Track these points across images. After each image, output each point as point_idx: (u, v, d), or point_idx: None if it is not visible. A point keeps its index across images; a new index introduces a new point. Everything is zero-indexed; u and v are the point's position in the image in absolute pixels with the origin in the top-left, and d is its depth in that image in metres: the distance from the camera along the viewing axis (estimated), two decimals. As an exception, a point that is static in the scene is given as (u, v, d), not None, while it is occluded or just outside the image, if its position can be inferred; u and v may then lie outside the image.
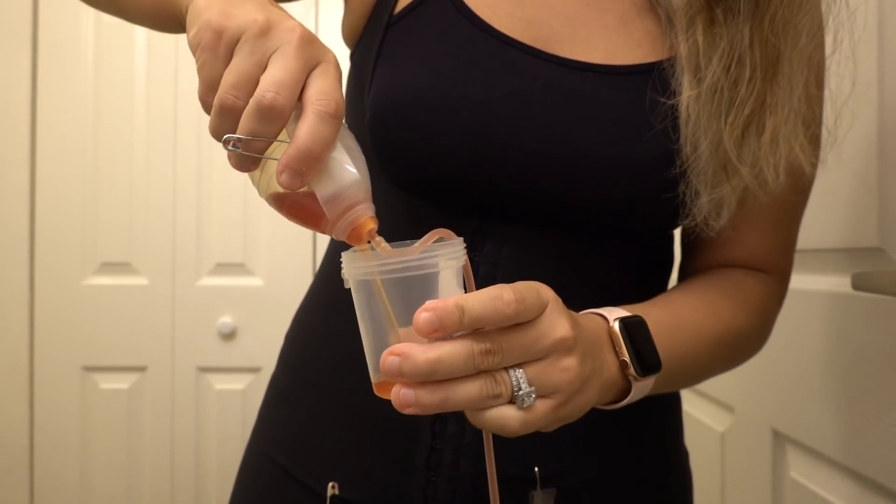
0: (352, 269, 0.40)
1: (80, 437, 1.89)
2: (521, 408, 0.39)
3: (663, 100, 0.55)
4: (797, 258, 0.99)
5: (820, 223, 0.89)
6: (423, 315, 0.36)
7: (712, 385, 1.27)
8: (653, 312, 0.51)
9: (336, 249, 0.68)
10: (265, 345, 1.89)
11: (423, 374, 0.36)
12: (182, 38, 1.90)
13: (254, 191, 0.46)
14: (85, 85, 1.90)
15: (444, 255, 0.39)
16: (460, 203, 0.58)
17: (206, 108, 0.42)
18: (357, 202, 0.42)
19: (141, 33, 1.91)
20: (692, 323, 0.57)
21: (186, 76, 1.91)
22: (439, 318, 0.36)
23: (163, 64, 1.91)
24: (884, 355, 0.74)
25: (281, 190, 0.41)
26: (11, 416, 1.87)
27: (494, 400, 0.38)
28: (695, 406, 1.35)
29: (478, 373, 0.38)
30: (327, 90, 0.40)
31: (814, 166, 0.59)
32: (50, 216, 1.89)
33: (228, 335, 1.90)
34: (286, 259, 1.91)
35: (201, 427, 1.91)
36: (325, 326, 0.65)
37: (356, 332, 0.62)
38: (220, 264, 1.92)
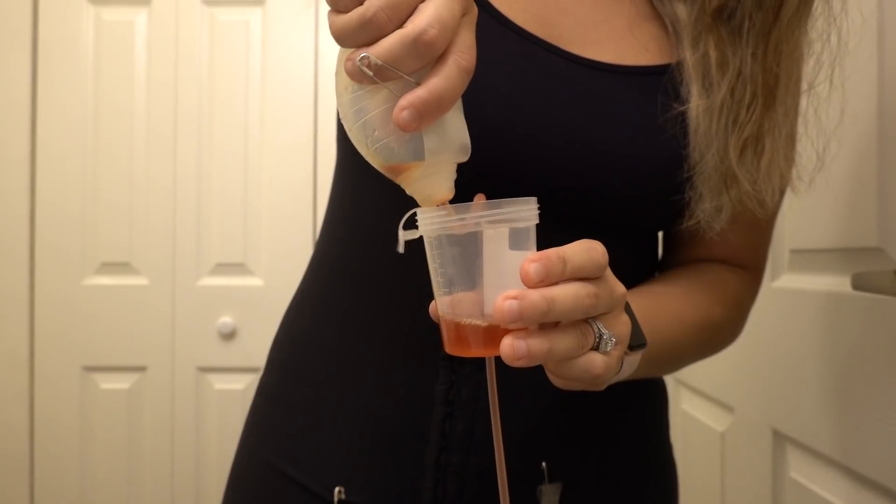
0: (438, 222, 0.40)
1: (80, 437, 1.89)
2: (603, 352, 0.41)
3: (675, 105, 0.57)
4: (797, 258, 0.99)
5: (820, 223, 0.89)
6: (532, 265, 0.38)
7: (712, 385, 1.27)
8: (635, 299, 0.53)
9: (327, 247, 0.68)
10: (265, 345, 1.88)
11: (540, 313, 0.37)
12: (182, 39, 1.90)
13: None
14: (85, 85, 1.90)
15: (533, 209, 0.40)
16: (471, 197, 0.58)
17: (336, 1, 0.38)
18: (454, 166, 0.42)
19: (141, 34, 1.92)
20: (672, 310, 0.59)
21: (187, 76, 1.91)
22: (545, 267, 0.38)
23: (163, 64, 1.91)
24: (883, 355, 0.74)
25: (373, 125, 0.40)
26: (11, 416, 1.87)
27: (583, 349, 0.40)
28: (695, 406, 1.35)
29: (568, 324, 0.40)
30: (470, 44, 0.39)
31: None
32: (50, 216, 1.89)
33: (228, 335, 1.90)
34: (286, 259, 1.91)
35: (201, 427, 1.91)
36: (320, 325, 0.65)
37: (350, 331, 0.63)
38: (220, 264, 1.92)
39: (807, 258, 0.95)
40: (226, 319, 1.89)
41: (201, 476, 1.90)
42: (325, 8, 2.09)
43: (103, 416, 1.90)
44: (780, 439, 1.00)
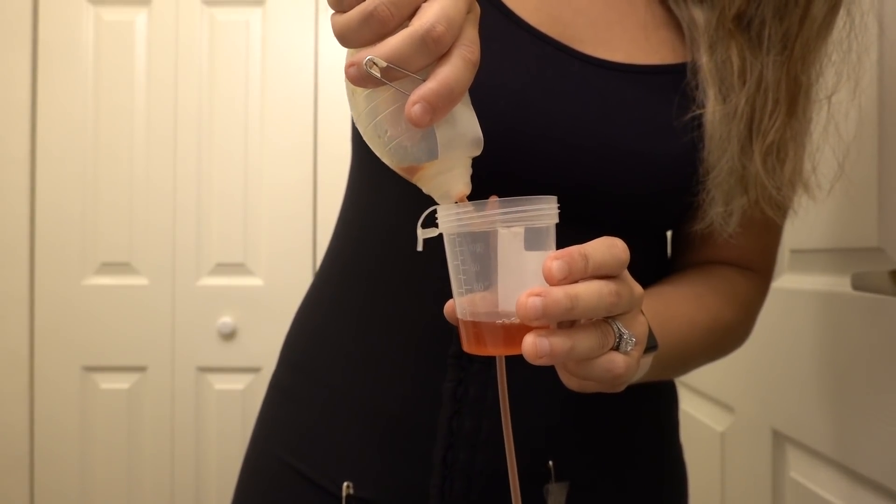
0: (459, 219, 0.40)
1: (80, 437, 1.89)
2: (624, 352, 0.41)
3: (694, 108, 0.57)
4: (797, 258, 0.99)
5: (820, 223, 0.89)
6: (555, 262, 0.38)
7: (712, 385, 1.27)
8: (646, 301, 0.53)
9: (341, 246, 0.68)
10: (265, 345, 1.90)
11: (563, 310, 0.37)
12: (182, 39, 1.90)
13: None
14: (85, 85, 1.90)
15: (553, 207, 0.40)
16: (484, 196, 0.58)
17: (340, 2, 0.38)
18: (468, 161, 0.42)
19: (141, 34, 1.92)
20: (683, 313, 0.59)
21: (187, 76, 1.91)
22: (568, 264, 0.37)
23: (163, 64, 1.91)
24: (883, 355, 0.74)
25: (384, 125, 0.40)
26: (11, 416, 1.88)
27: (604, 348, 0.40)
28: (695, 406, 1.35)
29: (588, 323, 0.40)
30: (474, 38, 0.39)
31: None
32: (50, 216, 1.89)
33: (228, 335, 1.90)
34: (286, 259, 1.91)
35: (201, 427, 1.91)
36: (333, 324, 0.65)
37: (363, 329, 0.63)
38: (220, 264, 1.92)
39: (806, 258, 0.95)
40: (226, 319, 1.89)
41: (201, 476, 1.90)
42: (325, 8, 2.09)
43: (103, 416, 1.90)
44: (780, 439, 1.00)
